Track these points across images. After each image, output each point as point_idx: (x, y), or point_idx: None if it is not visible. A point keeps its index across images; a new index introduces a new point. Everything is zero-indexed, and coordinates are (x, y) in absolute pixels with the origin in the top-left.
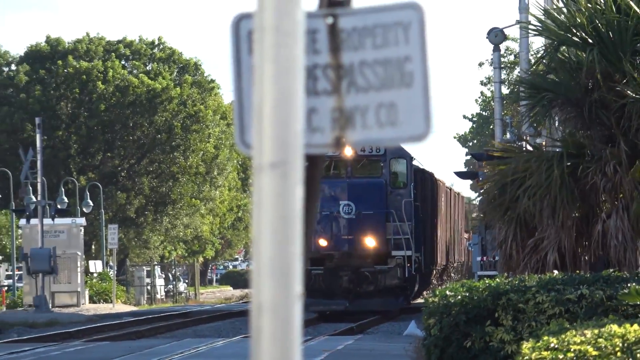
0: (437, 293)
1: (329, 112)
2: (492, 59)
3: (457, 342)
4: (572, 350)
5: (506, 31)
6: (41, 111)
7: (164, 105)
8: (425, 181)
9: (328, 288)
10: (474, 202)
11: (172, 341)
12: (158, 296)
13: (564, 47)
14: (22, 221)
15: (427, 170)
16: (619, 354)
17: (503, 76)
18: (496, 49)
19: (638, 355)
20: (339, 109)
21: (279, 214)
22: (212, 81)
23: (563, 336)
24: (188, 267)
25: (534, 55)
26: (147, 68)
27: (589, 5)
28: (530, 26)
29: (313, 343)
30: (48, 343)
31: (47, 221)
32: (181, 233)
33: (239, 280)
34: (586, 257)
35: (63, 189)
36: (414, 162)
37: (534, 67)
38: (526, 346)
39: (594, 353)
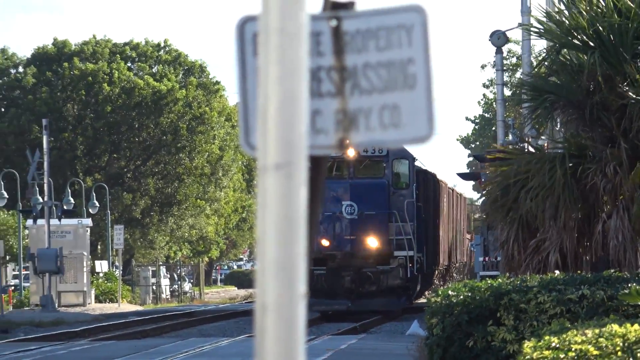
0: (440, 293)
1: (332, 114)
2: (494, 61)
3: (459, 341)
4: (573, 349)
5: (508, 34)
6: (48, 113)
7: (169, 107)
8: (427, 182)
9: (330, 288)
10: (476, 203)
11: (177, 340)
12: (163, 296)
13: (565, 50)
14: (29, 222)
15: (429, 171)
16: (619, 353)
17: (505, 78)
18: (498, 51)
19: (638, 354)
20: (343, 110)
21: (283, 214)
22: (217, 83)
23: (564, 336)
24: (193, 267)
25: (536, 58)
26: (153, 70)
27: (588, 8)
28: (532, 29)
29: (317, 342)
30: (54, 342)
31: (54, 222)
32: (186, 233)
33: (244, 280)
34: (587, 258)
35: (69, 190)
36: (416, 163)
37: (536, 69)
38: (528, 345)
39: (595, 352)
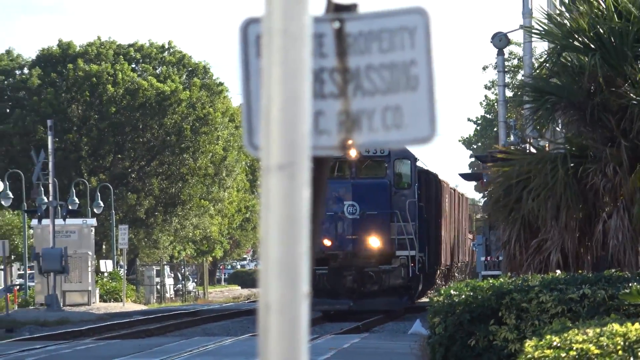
0: (442, 292)
1: (335, 115)
2: (496, 63)
3: (461, 340)
4: (574, 348)
5: (510, 36)
6: (53, 114)
7: (173, 108)
8: (429, 182)
9: (332, 288)
10: (478, 203)
11: (181, 339)
12: (167, 295)
13: (566, 52)
14: (34, 221)
15: (431, 171)
16: (620, 352)
17: (507, 80)
18: (500, 53)
19: (639, 353)
20: (346, 112)
21: (286, 214)
22: (221, 84)
23: (565, 335)
24: (197, 267)
25: (538, 60)
26: (157, 71)
27: (588, 10)
28: (533, 31)
29: (320, 341)
30: (59, 341)
31: (59, 221)
32: (190, 233)
33: (247, 279)
34: (589, 257)
35: (74, 190)
36: (418, 163)
37: (538, 71)
38: (529, 345)
39: (596, 351)
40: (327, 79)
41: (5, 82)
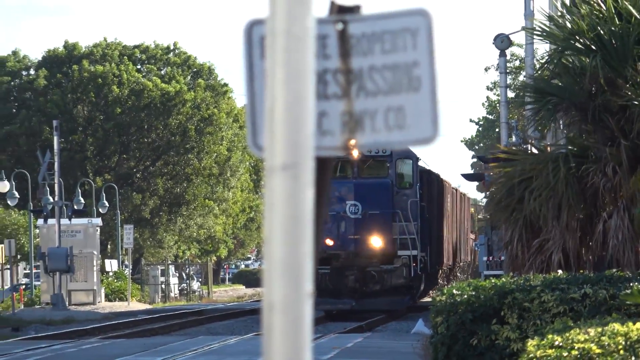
0: (445, 292)
1: (338, 116)
2: (498, 64)
3: (463, 339)
4: (576, 348)
5: (512, 37)
6: (58, 114)
7: (178, 109)
8: (431, 182)
9: (334, 287)
10: (480, 203)
11: (186, 338)
12: (172, 294)
13: (568, 53)
14: (40, 221)
15: (433, 171)
16: (621, 352)
17: (509, 81)
18: (502, 54)
19: None
20: (349, 112)
21: (290, 214)
22: (225, 85)
23: (567, 334)
24: (201, 266)
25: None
26: (162, 72)
27: (589, 11)
28: (535, 32)
29: (323, 340)
30: (64, 340)
31: (64, 221)
32: (195, 233)
33: (251, 279)
34: (590, 257)
35: (80, 190)
36: (420, 163)
37: (539, 72)
38: (531, 344)
39: (598, 351)
40: (330, 80)
41: (12, 83)
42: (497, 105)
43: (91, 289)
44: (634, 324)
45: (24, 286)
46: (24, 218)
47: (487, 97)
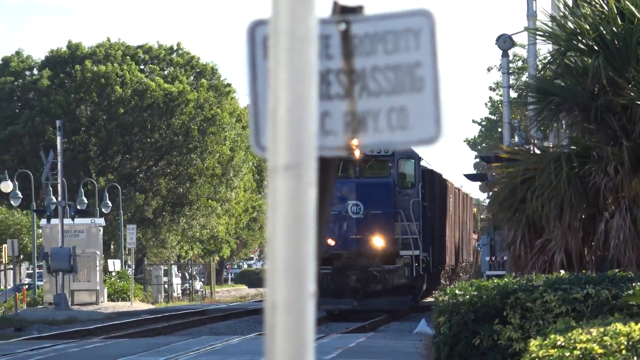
0: (447, 292)
1: (341, 116)
2: (500, 64)
3: (465, 340)
4: (578, 348)
5: (514, 37)
6: (62, 114)
7: (181, 109)
8: (433, 182)
9: (336, 287)
10: (483, 203)
11: (188, 338)
12: (175, 294)
13: (570, 53)
14: (43, 221)
15: (435, 170)
16: (624, 351)
17: (511, 81)
18: (505, 54)
19: None
20: (352, 112)
21: (292, 214)
22: (228, 85)
23: (569, 334)
24: (204, 266)
25: (542, 61)
26: (165, 72)
27: (590, 12)
28: (537, 33)
29: (326, 340)
30: (67, 340)
31: (67, 221)
32: (197, 233)
33: (254, 279)
34: (593, 257)
35: (83, 190)
36: (422, 163)
37: (542, 72)
38: (533, 344)
39: (600, 351)
40: (333, 80)
41: (15, 83)
42: (500, 105)
43: (94, 289)
44: (637, 324)
45: (26, 286)
46: (27, 218)
47: (490, 98)
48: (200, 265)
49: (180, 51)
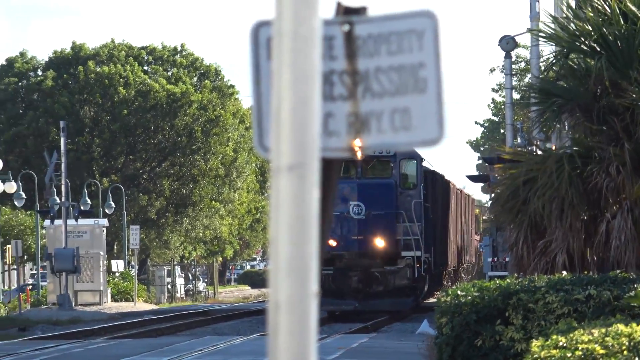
0: (449, 293)
1: (345, 117)
2: (503, 65)
3: (468, 340)
4: (580, 348)
5: (517, 39)
6: (66, 115)
7: (184, 110)
8: (435, 182)
9: (338, 288)
10: (486, 204)
11: (192, 339)
12: (178, 295)
13: (573, 55)
14: (47, 222)
15: (437, 171)
16: (625, 352)
17: (514, 83)
18: (507, 56)
19: None
20: (355, 113)
21: (296, 215)
22: (232, 86)
23: (571, 335)
24: (207, 267)
25: (544, 62)
26: (168, 73)
27: (592, 14)
28: (540, 34)
29: (328, 341)
30: (71, 340)
31: (71, 222)
32: (201, 234)
33: (257, 279)
34: (594, 258)
35: (86, 191)
36: (425, 164)
37: (544, 73)
38: (535, 345)
39: (602, 352)
40: (336, 81)
41: (19, 84)
42: (503, 106)
43: (97, 290)
44: (638, 325)
45: (30, 286)
46: (31, 219)
47: (493, 99)
48: (203, 266)
49: (184, 52)
